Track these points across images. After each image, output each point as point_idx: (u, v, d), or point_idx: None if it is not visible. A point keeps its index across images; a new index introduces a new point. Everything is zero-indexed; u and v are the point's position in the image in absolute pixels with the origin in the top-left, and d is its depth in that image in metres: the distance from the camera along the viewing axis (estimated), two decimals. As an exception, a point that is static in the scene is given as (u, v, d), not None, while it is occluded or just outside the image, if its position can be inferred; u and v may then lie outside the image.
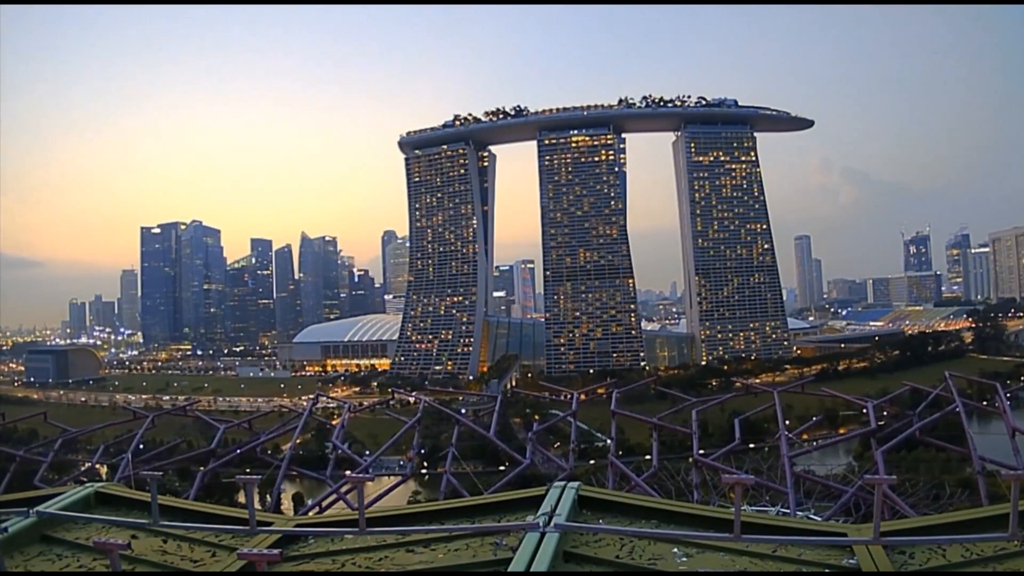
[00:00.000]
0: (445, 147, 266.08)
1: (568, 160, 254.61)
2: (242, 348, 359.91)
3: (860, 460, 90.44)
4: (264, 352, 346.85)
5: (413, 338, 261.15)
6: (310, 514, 37.10)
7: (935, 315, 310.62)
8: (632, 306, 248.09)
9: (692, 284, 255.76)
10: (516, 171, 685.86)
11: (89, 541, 7.70)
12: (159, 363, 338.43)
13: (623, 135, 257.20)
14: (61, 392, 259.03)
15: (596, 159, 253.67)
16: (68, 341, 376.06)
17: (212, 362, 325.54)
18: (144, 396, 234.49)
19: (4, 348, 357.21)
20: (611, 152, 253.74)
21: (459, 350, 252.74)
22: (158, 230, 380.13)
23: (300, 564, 7.24)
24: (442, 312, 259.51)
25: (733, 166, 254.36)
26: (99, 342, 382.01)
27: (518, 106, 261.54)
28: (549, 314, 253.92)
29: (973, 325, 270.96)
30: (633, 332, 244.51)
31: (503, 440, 45.01)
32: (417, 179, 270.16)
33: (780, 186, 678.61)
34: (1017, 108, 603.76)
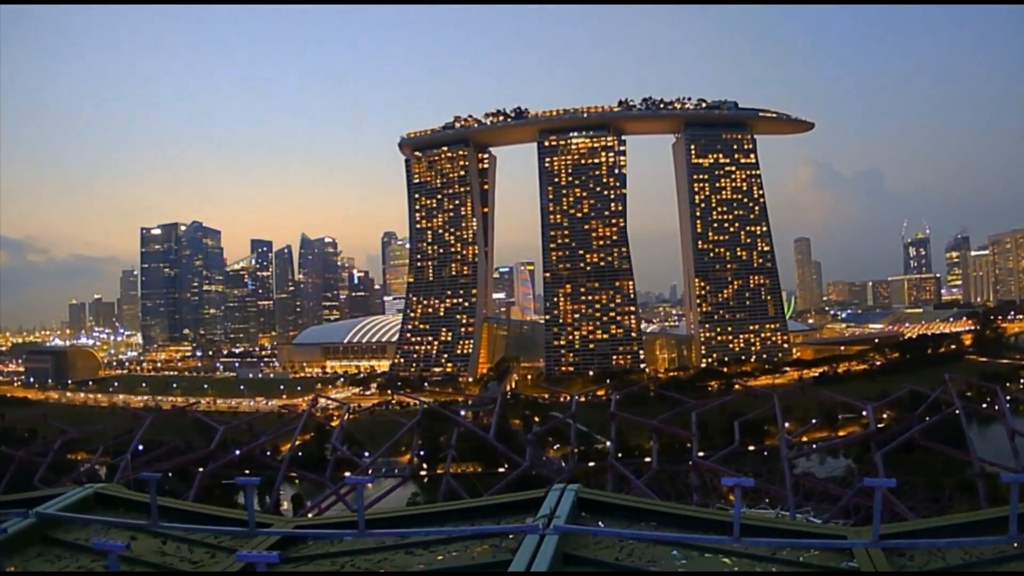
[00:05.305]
0: (445, 148, 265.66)
1: (568, 162, 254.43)
2: (242, 349, 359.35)
3: (859, 462, 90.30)
4: (264, 353, 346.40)
5: (413, 339, 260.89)
6: (309, 516, 37.06)
7: (935, 317, 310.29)
8: (632, 308, 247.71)
9: (692, 286, 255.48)
10: (516, 173, 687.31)
11: (88, 542, 7.70)
12: (158, 364, 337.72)
13: (623, 137, 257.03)
14: (60, 393, 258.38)
15: (596, 161, 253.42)
16: (67, 342, 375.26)
17: (211, 363, 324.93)
18: (143, 397, 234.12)
19: (3, 348, 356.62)
20: (611, 154, 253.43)
21: (459, 351, 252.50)
22: (158, 230, 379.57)
23: (299, 566, 7.24)
24: (442, 313, 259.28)
25: (733, 168, 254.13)
26: (98, 343, 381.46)
27: (519, 107, 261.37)
28: (549, 316, 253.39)
29: (973, 327, 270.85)
30: (633, 334, 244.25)
31: (502, 442, 44.94)
32: (417, 180, 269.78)
33: (780, 188, 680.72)
34: (1017, 110, 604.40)
